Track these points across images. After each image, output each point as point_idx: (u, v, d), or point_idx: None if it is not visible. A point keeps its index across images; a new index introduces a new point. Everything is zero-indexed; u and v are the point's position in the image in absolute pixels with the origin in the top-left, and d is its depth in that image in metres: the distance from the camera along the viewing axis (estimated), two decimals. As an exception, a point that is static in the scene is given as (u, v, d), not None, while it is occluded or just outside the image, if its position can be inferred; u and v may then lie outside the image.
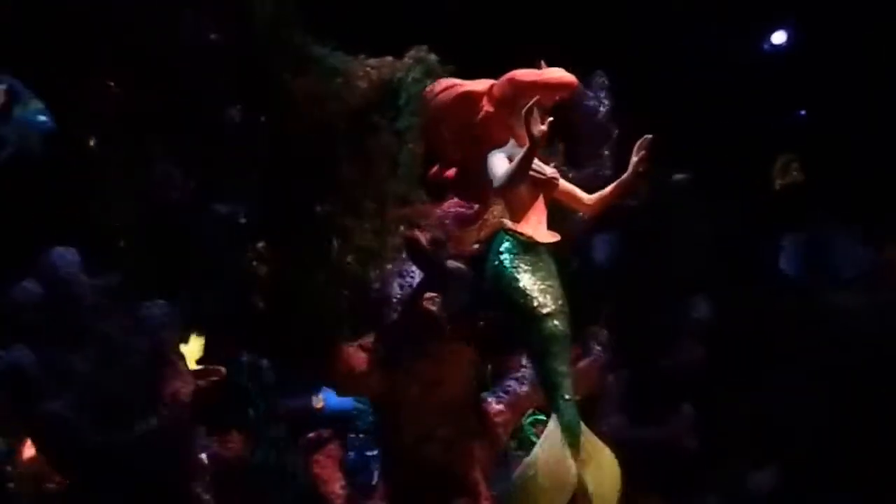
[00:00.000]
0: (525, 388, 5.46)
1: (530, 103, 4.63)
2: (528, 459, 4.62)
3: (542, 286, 4.80)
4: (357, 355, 5.10)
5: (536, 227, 4.90)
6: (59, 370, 4.75)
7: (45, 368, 4.76)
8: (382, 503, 5.21)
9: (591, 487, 4.57)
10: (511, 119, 4.83)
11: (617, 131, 6.02)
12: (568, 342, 4.77)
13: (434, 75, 4.92)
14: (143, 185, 4.93)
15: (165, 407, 4.82)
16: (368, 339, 5.15)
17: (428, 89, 5.03)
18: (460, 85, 5.01)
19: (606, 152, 6.01)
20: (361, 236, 4.98)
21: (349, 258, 5.05)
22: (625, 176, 5.11)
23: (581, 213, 5.21)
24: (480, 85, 5.00)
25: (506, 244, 4.85)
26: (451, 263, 5.13)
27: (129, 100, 4.98)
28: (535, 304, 4.75)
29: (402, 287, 5.18)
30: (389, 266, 5.18)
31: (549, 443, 4.64)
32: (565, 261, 5.79)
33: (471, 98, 4.97)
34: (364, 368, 5.08)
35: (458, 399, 5.24)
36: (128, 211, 4.91)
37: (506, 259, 4.83)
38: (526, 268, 4.81)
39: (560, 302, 4.79)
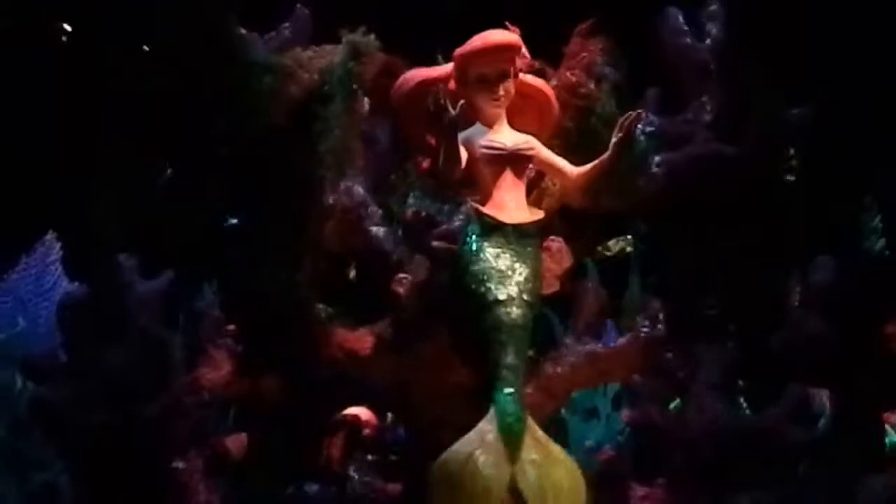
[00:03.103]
0: (560, 370, 4.96)
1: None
2: (447, 454, 4.26)
3: (502, 272, 4.42)
4: (364, 339, 4.98)
5: (505, 205, 4.53)
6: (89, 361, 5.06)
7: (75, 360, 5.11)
8: (398, 488, 5.05)
9: (531, 499, 4.14)
10: (468, 97, 4.55)
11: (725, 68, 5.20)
12: (524, 333, 4.38)
13: (361, 56, 4.69)
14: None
15: (179, 391, 4.98)
16: (383, 324, 5.01)
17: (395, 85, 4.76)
18: (413, 76, 4.72)
19: (706, 96, 5.24)
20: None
21: None
22: (606, 155, 4.61)
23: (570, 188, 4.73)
24: (436, 71, 4.73)
25: (471, 225, 4.56)
26: (437, 243, 4.85)
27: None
28: (486, 290, 4.41)
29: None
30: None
31: (477, 439, 4.27)
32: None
33: (426, 86, 4.68)
34: (369, 352, 4.96)
35: (473, 385, 4.91)
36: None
37: (470, 241, 4.53)
38: (488, 251, 4.47)
39: (519, 290, 4.42)
